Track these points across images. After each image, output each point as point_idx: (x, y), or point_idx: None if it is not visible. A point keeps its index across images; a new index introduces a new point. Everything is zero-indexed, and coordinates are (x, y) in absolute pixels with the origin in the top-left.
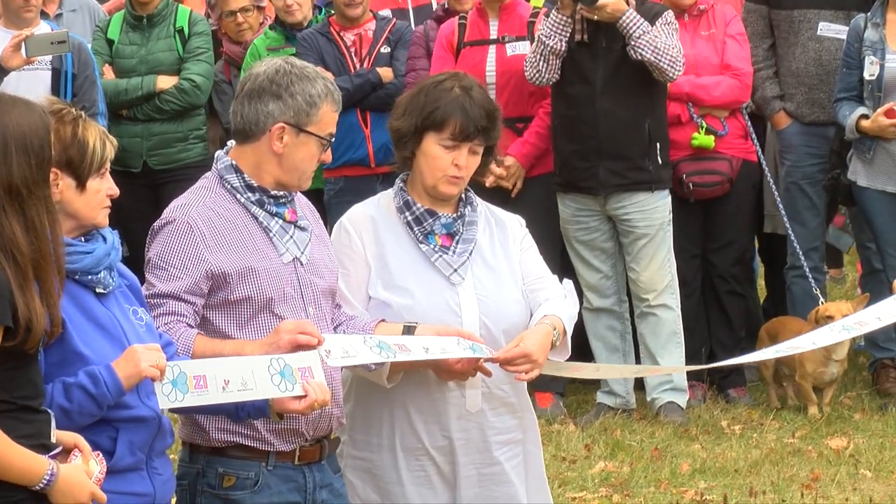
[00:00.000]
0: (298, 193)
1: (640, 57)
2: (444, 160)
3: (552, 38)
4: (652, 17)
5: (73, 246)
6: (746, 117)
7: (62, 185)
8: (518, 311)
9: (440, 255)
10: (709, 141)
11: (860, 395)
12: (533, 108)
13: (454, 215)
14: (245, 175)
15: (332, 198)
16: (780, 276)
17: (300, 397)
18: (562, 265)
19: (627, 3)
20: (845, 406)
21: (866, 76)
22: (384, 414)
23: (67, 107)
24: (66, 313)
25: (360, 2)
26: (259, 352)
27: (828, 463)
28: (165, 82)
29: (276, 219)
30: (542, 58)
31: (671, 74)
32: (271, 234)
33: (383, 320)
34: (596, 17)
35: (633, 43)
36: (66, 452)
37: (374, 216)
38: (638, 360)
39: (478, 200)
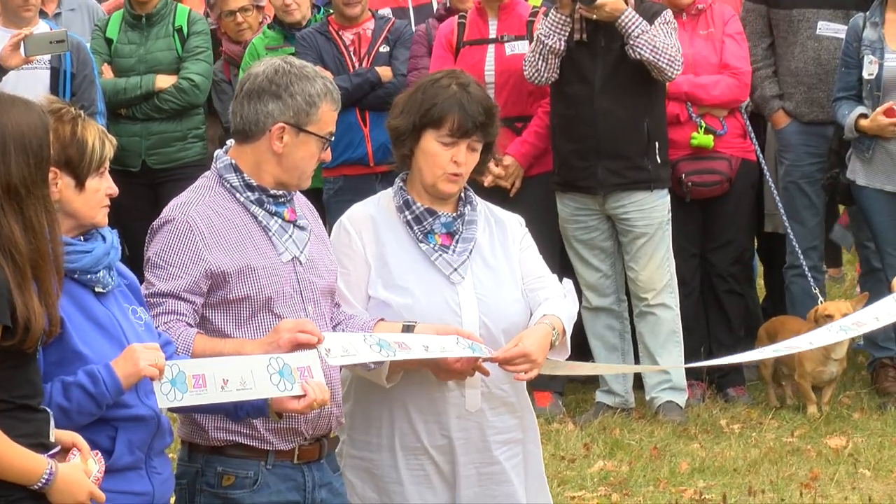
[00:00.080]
0: (297, 193)
1: (638, 56)
2: (442, 157)
3: (551, 37)
4: (650, 17)
5: (72, 245)
6: (745, 117)
7: (61, 185)
8: (518, 310)
9: (440, 255)
10: (708, 140)
11: (859, 395)
12: (532, 107)
13: (454, 214)
14: (244, 174)
15: (330, 197)
16: (779, 275)
17: (299, 397)
18: (561, 264)
19: (626, 3)
20: (844, 405)
21: (865, 75)
22: (384, 413)
23: (66, 106)
24: (66, 312)
25: (358, 1)
26: (259, 351)
27: (827, 462)
28: (164, 81)
29: (275, 218)
30: (541, 57)
31: (670, 74)
32: (270, 234)
33: (382, 319)
34: (595, 16)
35: (631, 42)
36: (65, 451)
37: (373, 215)
38: (637, 360)
39: (477, 200)
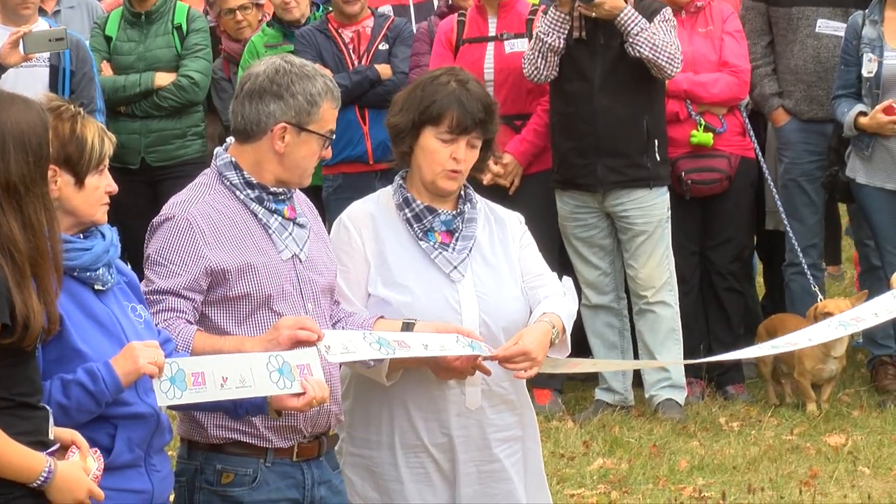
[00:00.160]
0: (297, 190)
1: (638, 54)
2: (442, 154)
3: (550, 35)
4: (650, 15)
5: (71, 243)
6: (745, 114)
7: (61, 182)
8: (517, 308)
9: (440, 253)
10: (707, 138)
11: (858, 392)
12: (531, 105)
13: (454, 212)
14: (244, 172)
15: (330, 195)
16: (778, 273)
17: (298, 395)
18: (560, 262)
19: (625, 1)
20: (844, 403)
21: (864, 73)
22: (383, 411)
23: (66, 104)
24: (65, 310)
25: None
26: (258, 348)
27: (826, 460)
28: (163, 79)
29: (275, 216)
30: (541, 55)
31: (669, 71)
32: (270, 231)
33: (382, 317)
34: (594, 14)
35: (631, 40)
36: (64, 449)
37: (373, 213)
38: (636, 357)
39: (477, 197)
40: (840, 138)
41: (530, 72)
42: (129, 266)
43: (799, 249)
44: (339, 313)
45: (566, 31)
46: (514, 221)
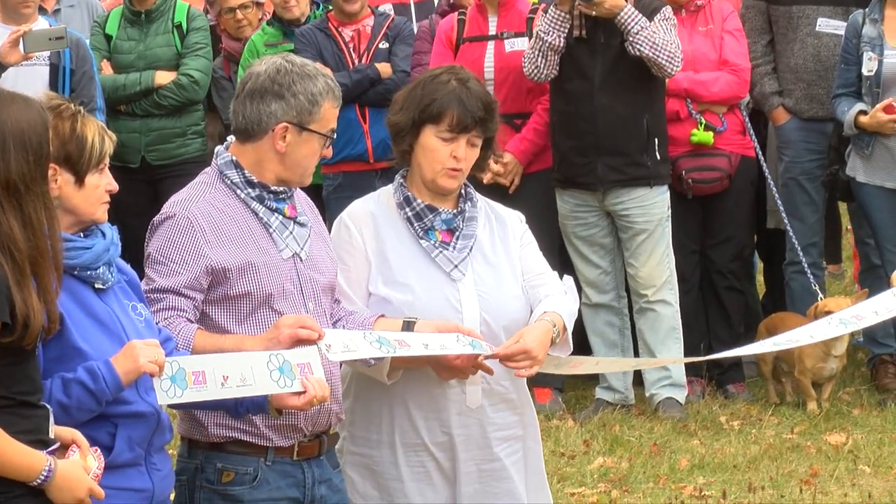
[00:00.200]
0: (298, 189)
1: (638, 53)
2: (442, 152)
3: (550, 33)
4: (650, 13)
5: (71, 241)
6: (745, 113)
7: (61, 181)
8: (518, 307)
9: (440, 251)
10: (708, 137)
11: (859, 391)
12: (531, 104)
13: (454, 211)
14: (245, 171)
15: (330, 193)
16: (779, 271)
17: (299, 393)
18: (560, 261)
19: None
20: (844, 402)
21: (864, 72)
22: (384, 410)
23: (66, 102)
24: (65, 309)
25: None
26: (259, 347)
27: (826, 458)
28: (164, 78)
29: (275, 214)
30: (541, 54)
31: (669, 70)
32: (271, 230)
33: (383, 316)
34: (594, 12)
35: (631, 39)
36: (64, 448)
37: (373, 212)
38: (637, 356)
39: (478, 196)
40: (840, 137)
41: (530, 70)
42: (129, 265)
43: (799, 248)
44: (339, 312)
45: (566, 30)
46: (514, 220)
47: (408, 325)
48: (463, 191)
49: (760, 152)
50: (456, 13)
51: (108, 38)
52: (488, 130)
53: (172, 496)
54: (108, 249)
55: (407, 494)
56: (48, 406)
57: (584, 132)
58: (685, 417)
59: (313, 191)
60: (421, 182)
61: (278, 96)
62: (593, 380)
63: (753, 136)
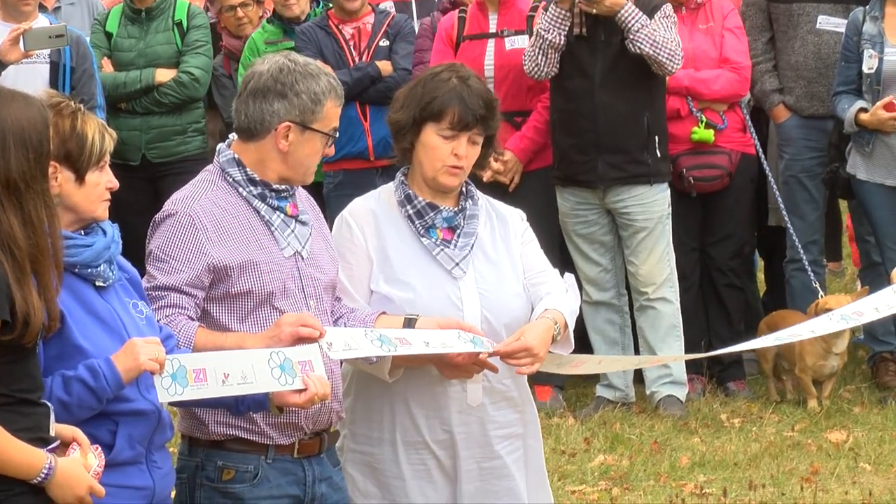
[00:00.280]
0: (299, 187)
1: (638, 51)
2: (443, 150)
3: (551, 31)
4: (650, 11)
5: (72, 239)
6: (745, 111)
7: (61, 179)
8: (519, 305)
9: (441, 249)
10: (708, 135)
11: (859, 389)
12: (531, 102)
13: (455, 209)
14: (247, 169)
15: (331, 191)
16: (779, 269)
17: (300, 391)
18: (560, 259)
19: None
20: (845, 399)
21: (865, 69)
22: (385, 408)
23: (66, 100)
24: (66, 306)
25: None
26: (260, 344)
27: (827, 456)
28: (164, 75)
29: (277, 213)
30: (541, 52)
31: (670, 68)
32: (273, 228)
33: (384, 313)
34: (595, 11)
35: (631, 37)
36: (65, 446)
37: (374, 209)
38: (637, 354)
39: (479, 194)
40: (841, 135)
41: (531, 68)
42: (130, 262)
43: (800, 246)
44: (340, 309)
45: (567, 28)
46: (515, 218)
47: (409, 323)
48: (464, 189)
49: (761, 150)
50: (457, 11)
51: (109, 35)
52: (489, 128)
53: (173, 494)
54: (108, 247)
55: (408, 492)
56: (49, 404)
57: (585, 130)
58: (686, 415)
59: (314, 188)
60: (422, 180)
61: (281, 95)
62: (594, 378)
63: (754, 134)
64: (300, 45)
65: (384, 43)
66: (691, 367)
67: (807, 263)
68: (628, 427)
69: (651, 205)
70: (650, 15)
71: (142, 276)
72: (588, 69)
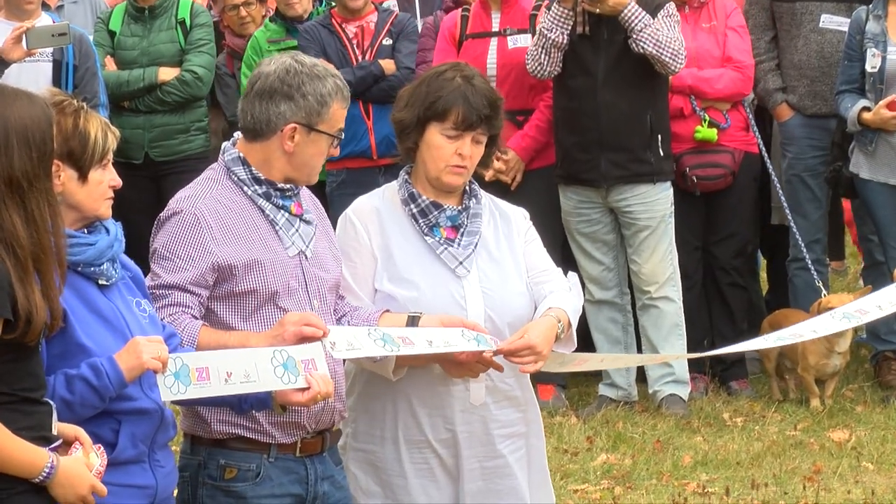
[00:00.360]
0: (303, 187)
1: (641, 50)
2: (447, 150)
3: (554, 30)
4: (653, 10)
5: (75, 238)
6: (749, 110)
7: (64, 177)
8: (523, 303)
9: (445, 248)
10: (712, 134)
11: (862, 388)
12: (533, 100)
13: (459, 207)
14: (252, 168)
15: (333, 190)
16: (782, 268)
17: (303, 389)
18: (563, 258)
19: None
20: (847, 398)
21: (868, 68)
22: (388, 406)
23: (69, 98)
24: (69, 305)
25: None
26: (263, 343)
27: (830, 455)
28: (167, 74)
29: (282, 212)
30: (544, 51)
31: (673, 67)
32: (277, 228)
33: (388, 311)
34: (598, 10)
35: (634, 36)
36: (67, 445)
37: (378, 208)
38: (640, 353)
39: (482, 193)
40: (844, 133)
41: (534, 68)
42: (133, 261)
43: (802, 245)
44: (344, 307)
45: (570, 28)
46: (518, 217)
47: (412, 321)
48: (467, 187)
49: (764, 149)
50: (460, 9)
51: (112, 33)
52: (493, 127)
53: (175, 493)
54: (111, 246)
55: (410, 491)
56: (51, 403)
57: (588, 128)
58: (688, 414)
59: (317, 187)
60: (426, 179)
61: (287, 97)
62: (596, 376)
63: (757, 133)
64: (303, 43)
65: (387, 41)
66: (694, 366)
67: (810, 262)
68: (631, 426)
69: (654, 203)
70: (653, 14)
71: (145, 274)
72: (591, 68)
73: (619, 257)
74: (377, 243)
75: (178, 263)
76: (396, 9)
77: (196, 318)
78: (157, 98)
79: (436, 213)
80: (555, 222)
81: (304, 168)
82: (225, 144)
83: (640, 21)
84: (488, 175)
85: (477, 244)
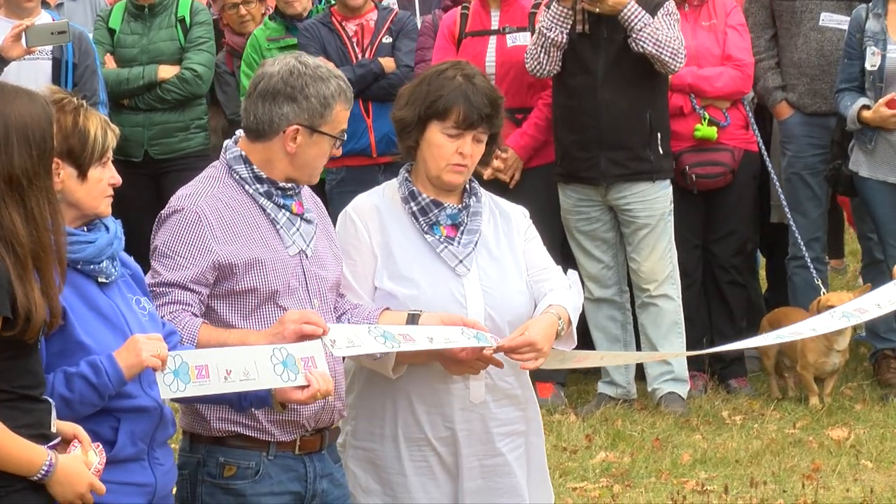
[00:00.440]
0: (304, 186)
1: (641, 50)
2: (447, 149)
3: (553, 29)
4: (653, 8)
5: (75, 236)
6: (748, 108)
7: (63, 175)
8: (523, 301)
9: (445, 246)
10: (711, 132)
11: (861, 386)
12: (532, 99)
13: (459, 206)
14: (254, 166)
15: (333, 188)
16: (781, 266)
17: (303, 387)
18: (563, 256)
19: None
20: (846, 396)
21: (868, 67)
22: (387, 404)
23: (68, 96)
24: (68, 303)
25: None
26: (263, 341)
27: (829, 453)
28: (167, 72)
29: (283, 211)
30: (543, 50)
31: (673, 66)
32: (278, 226)
33: (388, 308)
34: (598, 9)
35: (634, 35)
36: (66, 443)
37: (378, 206)
38: (639, 351)
39: (482, 191)
40: (843, 132)
41: (533, 67)
42: (132, 259)
43: (802, 243)
44: (344, 305)
45: (569, 26)
46: (518, 215)
47: (412, 318)
48: (468, 186)
49: (764, 147)
50: (459, 8)
51: (112, 31)
52: (494, 126)
53: (174, 490)
54: (111, 243)
55: (409, 489)
56: (50, 400)
57: (587, 127)
58: (687, 412)
59: (316, 185)
60: (426, 177)
61: (290, 98)
62: (595, 374)
63: (757, 131)
64: (303, 41)
65: (387, 40)
66: (693, 364)
67: (809, 260)
68: (630, 424)
69: (653, 202)
70: (653, 12)
71: (145, 272)
72: (591, 66)
73: (618, 255)
74: (377, 241)
75: (178, 261)
76: (396, 7)
77: (196, 316)
78: (157, 96)
79: (436, 211)
80: (554, 220)
81: (306, 169)
82: (227, 142)
83: (639, 20)
84: (487, 174)
85: (477, 242)
